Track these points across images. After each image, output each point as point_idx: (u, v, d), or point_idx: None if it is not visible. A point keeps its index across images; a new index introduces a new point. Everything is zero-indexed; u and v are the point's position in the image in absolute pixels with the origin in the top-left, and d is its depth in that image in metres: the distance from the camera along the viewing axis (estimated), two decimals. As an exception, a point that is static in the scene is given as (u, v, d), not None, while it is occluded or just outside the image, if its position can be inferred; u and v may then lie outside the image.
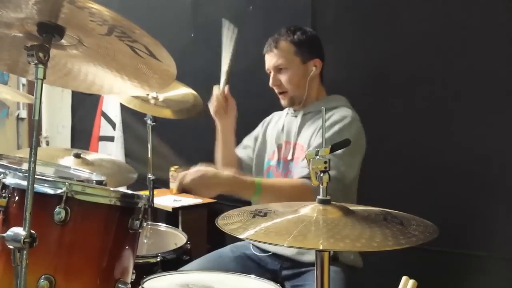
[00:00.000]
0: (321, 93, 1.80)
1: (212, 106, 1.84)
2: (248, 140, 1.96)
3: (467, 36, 1.79)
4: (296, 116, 1.77)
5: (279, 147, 1.79)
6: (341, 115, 1.64)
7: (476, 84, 1.77)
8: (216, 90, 1.83)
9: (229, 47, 1.82)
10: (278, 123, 1.87)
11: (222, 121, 1.87)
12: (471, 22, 1.78)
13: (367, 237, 0.85)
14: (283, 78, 1.72)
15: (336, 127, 1.60)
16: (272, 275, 1.66)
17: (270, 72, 1.75)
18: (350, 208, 0.99)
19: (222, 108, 1.83)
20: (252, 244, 1.78)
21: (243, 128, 2.63)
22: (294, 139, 1.73)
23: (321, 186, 0.99)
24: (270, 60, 1.74)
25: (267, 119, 1.96)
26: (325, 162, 0.98)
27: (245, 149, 1.95)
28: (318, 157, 0.99)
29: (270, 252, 1.71)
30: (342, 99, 1.77)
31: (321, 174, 0.99)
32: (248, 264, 1.73)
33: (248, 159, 1.92)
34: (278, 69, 1.72)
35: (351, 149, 1.44)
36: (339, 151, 1.40)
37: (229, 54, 1.81)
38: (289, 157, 1.73)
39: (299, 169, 1.63)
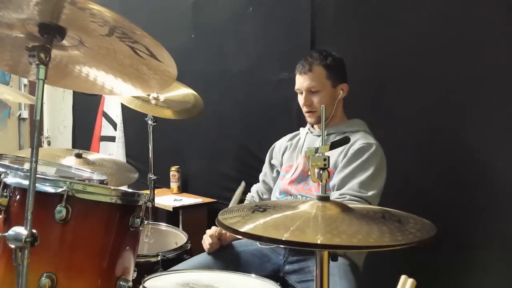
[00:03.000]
0: (342, 116, 1.88)
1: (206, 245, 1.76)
2: (264, 175, 2.02)
3: (466, 36, 1.80)
4: (319, 136, 1.84)
5: (298, 161, 1.84)
6: (367, 142, 1.72)
7: (476, 84, 1.78)
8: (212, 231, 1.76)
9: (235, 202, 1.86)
10: (295, 142, 1.94)
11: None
12: (470, 22, 1.79)
13: (364, 233, 0.86)
14: (315, 99, 1.79)
15: (365, 156, 1.69)
16: (274, 267, 1.70)
17: (301, 92, 1.82)
18: (349, 205, 1.00)
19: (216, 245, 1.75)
20: None
21: (241, 126, 2.65)
22: None
23: (320, 183, 1.00)
24: (303, 81, 1.80)
25: (276, 144, 2.01)
26: (324, 160, 0.99)
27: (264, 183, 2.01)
28: (317, 154, 1.00)
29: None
30: (362, 124, 1.85)
31: (321, 171, 1.00)
32: (250, 259, 1.75)
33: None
34: (311, 91, 1.80)
35: (378, 175, 1.65)
36: (368, 177, 1.64)
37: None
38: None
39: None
